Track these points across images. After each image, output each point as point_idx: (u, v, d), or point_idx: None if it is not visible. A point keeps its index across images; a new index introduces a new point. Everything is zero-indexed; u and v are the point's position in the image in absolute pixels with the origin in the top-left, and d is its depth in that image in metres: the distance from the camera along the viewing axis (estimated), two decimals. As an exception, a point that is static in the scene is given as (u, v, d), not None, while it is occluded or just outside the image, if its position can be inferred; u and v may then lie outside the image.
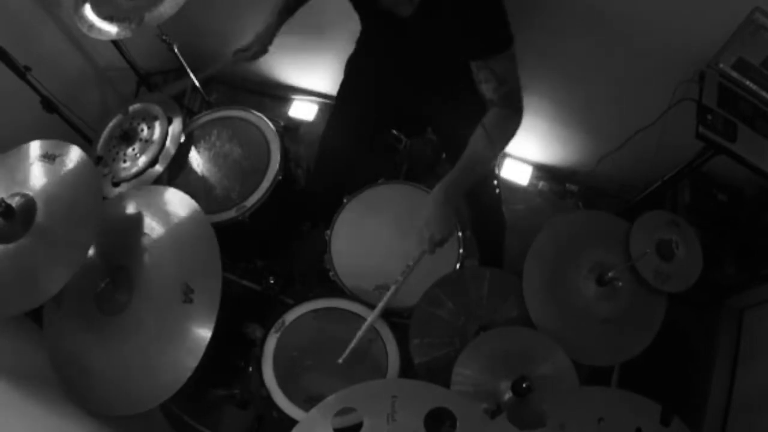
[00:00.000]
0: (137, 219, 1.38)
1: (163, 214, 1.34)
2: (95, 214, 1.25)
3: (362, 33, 1.66)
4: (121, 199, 1.43)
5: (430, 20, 1.24)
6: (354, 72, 1.70)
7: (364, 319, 1.40)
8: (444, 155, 1.82)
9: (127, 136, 1.78)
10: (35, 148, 1.34)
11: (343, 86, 1.74)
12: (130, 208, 1.40)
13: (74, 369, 1.27)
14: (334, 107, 1.79)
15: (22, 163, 1.33)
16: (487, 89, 1.28)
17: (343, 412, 1.00)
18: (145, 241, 1.32)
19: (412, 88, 1.57)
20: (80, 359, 1.28)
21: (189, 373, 1.17)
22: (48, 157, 1.31)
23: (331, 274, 1.52)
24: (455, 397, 1.04)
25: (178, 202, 1.36)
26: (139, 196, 1.42)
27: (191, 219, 1.33)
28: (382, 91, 1.62)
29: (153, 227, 1.33)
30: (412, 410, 0.97)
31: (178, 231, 1.33)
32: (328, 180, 1.81)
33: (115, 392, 1.24)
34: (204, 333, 1.19)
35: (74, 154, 1.31)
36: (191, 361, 1.18)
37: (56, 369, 1.29)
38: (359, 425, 0.97)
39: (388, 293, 1.37)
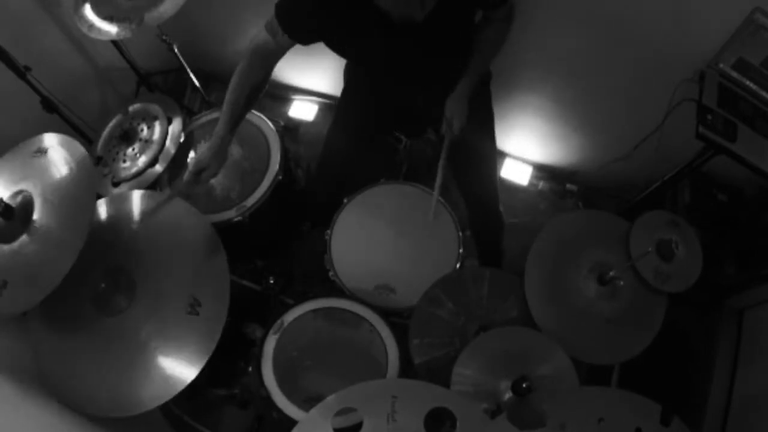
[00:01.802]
0: (144, 222, 1.39)
1: (174, 225, 1.35)
2: (89, 202, 1.25)
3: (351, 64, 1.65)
4: (126, 200, 1.44)
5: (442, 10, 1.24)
6: (353, 75, 1.70)
7: (365, 319, 1.40)
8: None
9: (127, 136, 1.78)
10: (29, 145, 1.35)
11: (345, 89, 1.74)
12: (134, 211, 1.41)
13: (63, 367, 1.27)
14: (337, 110, 1.79)
15: (18, 162, 1.33)
16: (496, 16, 1.39)
17: (343, 412, 1.00)
18: (151, 246, 1.33)
19: (417, 90, 1.57)
20: (71, 357, 1.28)
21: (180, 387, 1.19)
22: (42, 151, 1.32)
23: (330, 274, 1.52)
24: (455, 397, 1.04)
25: (186, 214, 1.38)
26: (152, 203, 1.43)
27: (204, 236, 1.36)
28: (383, 93, 1.61)
29: (161, 234, 1.34)
30: (412, 410, 0.97)
31: (189, 244, 1.34)
32: (329, 181, 1.81)
33: (100, 392, 1.24)
34: (207, 345, 1.22)
35: (69, 149, 1.31)
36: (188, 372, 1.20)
37: (43, 366, 1.28)
38: (359, 425, 0.96)
39: (438, 178, 1.55)
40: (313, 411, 0.99)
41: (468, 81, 1.46)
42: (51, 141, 1.33)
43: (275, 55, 1.35)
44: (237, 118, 1.35)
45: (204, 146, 1.35)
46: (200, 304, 1.25)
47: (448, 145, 1.52)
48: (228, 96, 1.33)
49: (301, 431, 0.98)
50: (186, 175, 1.33)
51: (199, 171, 1.32)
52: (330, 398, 1.00)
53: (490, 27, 1.41)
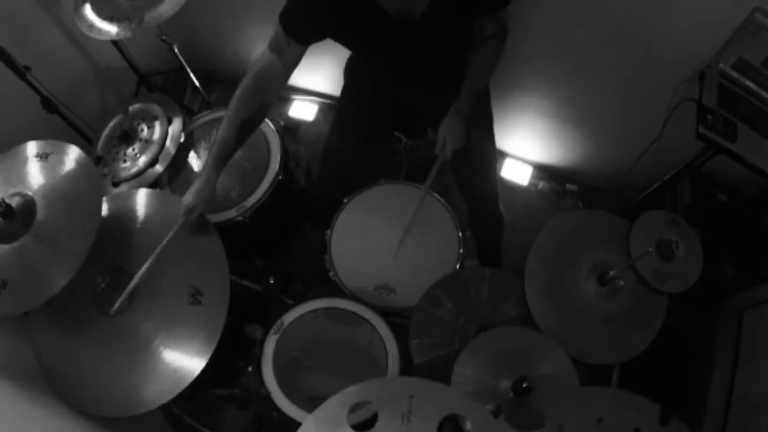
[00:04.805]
0: (139, 220, 1.39)
1: (172, 222, 1.32)
2: (95, 209, 1.26)
3: (354, 55, 1.64)
4: (126, 199, 1.43)
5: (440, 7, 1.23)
6: (353, 76, 1.70)
7: (365, 319, 1.40)
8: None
9: (127, 136, 1.78)
10: (31, 147, 1.35)
11: (344, 89, 1.74)
12: (134, 210, 1.41)
13: (65, 367, 1.27)
14: (337, 110, 1.79)
15: (19, 163, 1.33)
16: (488, 30, 1.38)
17: (356, 407, 0.98)
18: (150, 245, 1.31)
19: (416, 89, 1.57)
20: (72, 357, 1.27)
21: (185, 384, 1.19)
22: (42, 156, 1.32)
23: (331, 274, 1.52)
24: (469, 402, 1.01)
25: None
26: (147, 199, 1.43)
27: (200, 229, 1.35)
28: (383, 92, 1.61)
29: (159, 233, 1.32)
30: (427, 413, 0.95)
31: (187, 239, 1.33)
32: (330, 182, 1.81)
33: (107, 392, 1.24)
34: (214, 332, 1.21)
35: (70, 152, 1.31)
36: (195, 364, 1.20)
37: (45, 367, 1.28)
38: (371, 421, 0.95)
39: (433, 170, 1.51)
40: (332, 399, 0.95)
41: (464, 101, 1.44)
42: (54, 147, 1.33)
43: (280, 78, 1.31)
44: (226, 158, 1.30)
45: (193, 187, 1.29)
46: (201, 293, 1.25)
47: (438, 167, 1.49)
48: (220, 133, 1.28)
49: (317, 418, 0.95)
50: (181, 222, 1.28)
51: (188, 213, 1.29)
52: (350, 388, 0.96)
53: (484, 45, 1.40)
